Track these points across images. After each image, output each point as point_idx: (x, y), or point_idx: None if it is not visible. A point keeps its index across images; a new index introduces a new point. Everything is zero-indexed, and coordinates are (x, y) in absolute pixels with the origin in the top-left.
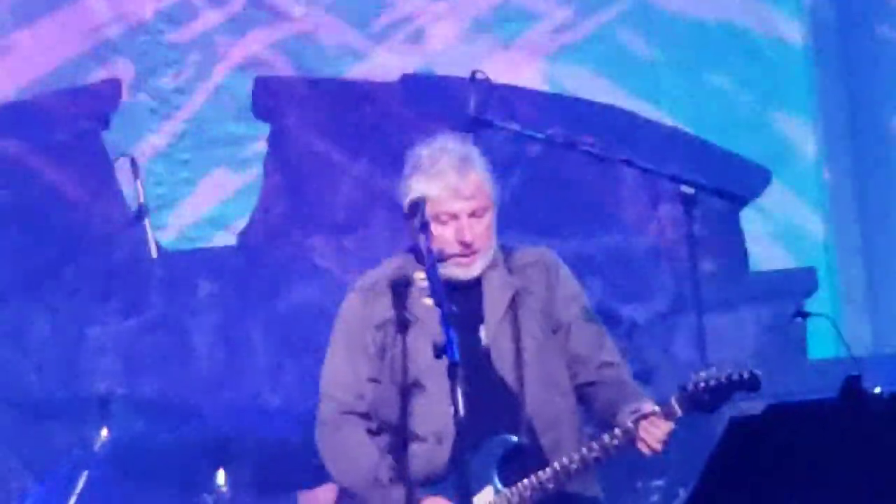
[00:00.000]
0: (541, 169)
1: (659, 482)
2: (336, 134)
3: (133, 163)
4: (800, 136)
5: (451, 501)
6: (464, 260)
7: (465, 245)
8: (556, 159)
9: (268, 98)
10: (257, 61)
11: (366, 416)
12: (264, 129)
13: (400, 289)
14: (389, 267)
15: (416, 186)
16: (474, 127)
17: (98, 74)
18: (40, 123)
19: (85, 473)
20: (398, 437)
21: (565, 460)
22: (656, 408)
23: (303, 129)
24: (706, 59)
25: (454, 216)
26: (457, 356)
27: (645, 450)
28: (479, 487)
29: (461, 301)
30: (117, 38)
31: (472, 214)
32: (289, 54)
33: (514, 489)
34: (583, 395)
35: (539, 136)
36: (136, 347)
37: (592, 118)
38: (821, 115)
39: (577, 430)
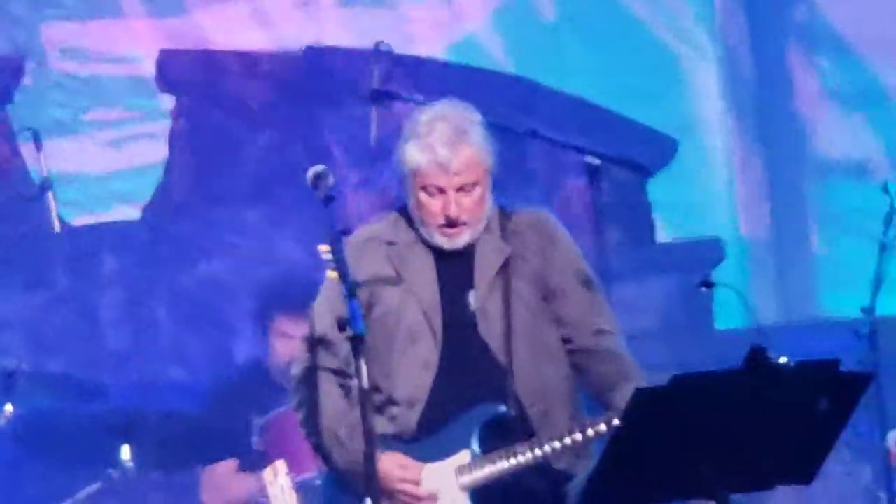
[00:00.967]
0: None
1: None
2: (239, 107)
3: (36, 136)
4: (707, 105)
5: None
6: (450, 230)
7: (451, 219)
8: None
9: (172, 71)
10: (161, 36)
11: (340, 372)
12: (169, 102)
13: (392, 246)
14: (381, 224)
15: (409, 153)
16: (378, 99)
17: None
18: None
19: None
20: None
21: (544, 436)
22: None
23: (206, 103)
24: (611, 26)
25: (441, 189)
26: (361, 329)
27: None
28: (456, 450)
29: (452, 265)
30: (21, 11)
31: (461, 189)
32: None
33: (491, 456)
34: (577, 363)
35: None
36: (41, 322)
37: (496, 89)
38: (728, 82)
39: (570, 401)
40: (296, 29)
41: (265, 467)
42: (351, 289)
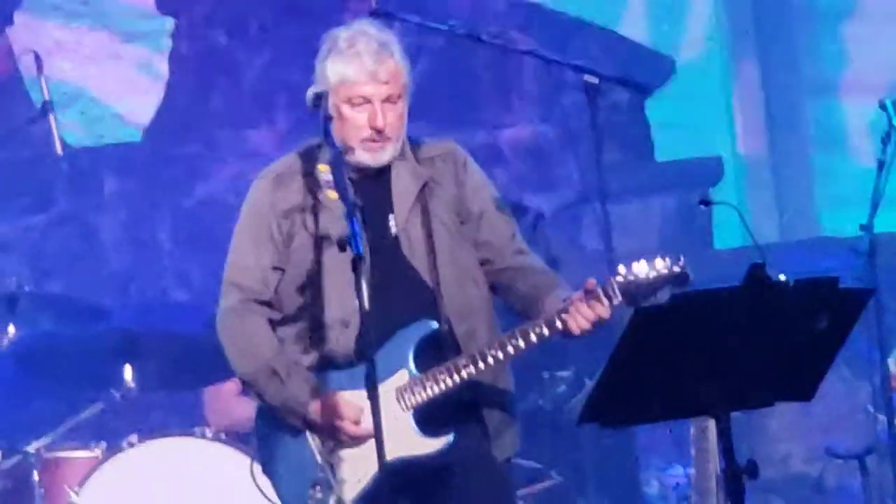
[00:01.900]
0: (444, 61)
1: (565, 373)
2: (239, 28)
3: (37, 58)
4: (705, 24)
5: (355, 391)
6: (374, 145)
7: (377, 131)
8: (460, 51)
9: None
10: None
11: (269, 304)
12: (169, 24)
13: (309, 177)
14: (298, 155)
15: (333, 67)
16: (377, 19)
17: None
18: None
19: None
20: (302, 324)
21: (484, 347)
22: (596, 289)
23: (206, 24)
24: None
25: (367, 100)
26: (361, 249)
27: (575, 329)
28: (393, 371)
29: (369, 190)
30: None
31: (387, 100)
32: None
33: (428, 374)
34: (500, 283)
35: (442, 27)
36: (43, 244)
37: (495, 8)
38: (725, 0)
39: (490, 321)
40: None
41: None
42: (351, 209)
